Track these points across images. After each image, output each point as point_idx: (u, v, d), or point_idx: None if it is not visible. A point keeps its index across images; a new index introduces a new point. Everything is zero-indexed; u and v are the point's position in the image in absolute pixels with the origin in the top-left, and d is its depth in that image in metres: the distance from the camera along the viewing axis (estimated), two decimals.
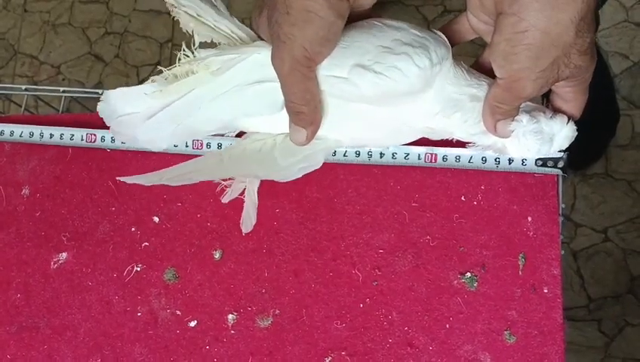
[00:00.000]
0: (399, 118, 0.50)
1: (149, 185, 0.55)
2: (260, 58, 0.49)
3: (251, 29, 0.52)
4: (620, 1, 1.35)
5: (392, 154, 0.54)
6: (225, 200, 0.55)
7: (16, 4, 1.67)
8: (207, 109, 0.52)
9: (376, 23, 0.48)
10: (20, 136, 0.62)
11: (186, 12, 0.51)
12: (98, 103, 0.54)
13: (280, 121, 0.51)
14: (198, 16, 0.51)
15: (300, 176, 0.52)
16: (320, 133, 0.51)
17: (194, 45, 0.52)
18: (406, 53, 0.46)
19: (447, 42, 0.48)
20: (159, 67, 0.53)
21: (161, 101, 0.52)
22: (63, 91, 0.66)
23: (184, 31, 0.52)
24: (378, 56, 0.47)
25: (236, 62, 0.50)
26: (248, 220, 0.55)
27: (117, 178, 0.56)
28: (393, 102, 0.49)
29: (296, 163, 0.52)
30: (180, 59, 0.51)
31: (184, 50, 0.51)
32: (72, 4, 1.63)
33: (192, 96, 0.51)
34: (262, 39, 0.51)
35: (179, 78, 0.51)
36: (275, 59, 0.46)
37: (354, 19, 0.48)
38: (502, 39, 0.43)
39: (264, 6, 0.46)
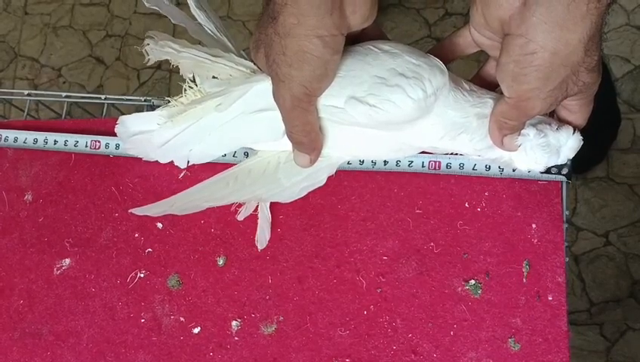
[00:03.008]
0: (400, 140, 0.51)
1: (159, 215, 0.57)
2: (260, 89, 0.51)
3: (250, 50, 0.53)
4: (620, 5, 1.35)
5: (396, 162, 0.54)
6: (240, 217, 0.56)
7: (17, 7, 1.67)
8: (215, 136, 0.54)
9: (372, 48, 0.48)
10: (24, 142, 0.62)
11: (186, 59, 0.53)
12: (115, 127, 0.57)
13: (284, 141, 0.52)
14: (198, 60, 0.53)
15: (303, 195, 0.54)
16: (323, 151, 0.53)
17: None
18: (399, 85, 0.47)
19: (444, 68, 0.48)
20: (167, 98, 0.57)
21: (171, 130, 0.55)
22: (66, 96, 0.66)
23: (185, 78, 0.55)
24: (372, 88, 0.47)
25: (237, 97, 0.52)
26: (263, 237, 0.55)
27: (129, 210, 0.58)
28: (391, 128, 0.50)
29: (299, 182, 0.54)
30: (185, 90, 0.55)
31: (188, 83, 0.55)
32: (72, 6, 1.63)
33: (201, 125, 0.54)
34: (261, 69, 0.52)
35: (186, 106, 0.54)
36: (276, 97, 0.47)
37: (352, 40, 0.49)
38: (510, 60, 0.43)
39: (261, 43, 0.47)
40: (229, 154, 0.57)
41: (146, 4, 0.54)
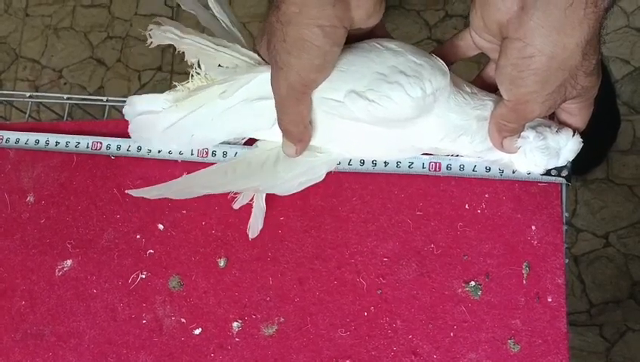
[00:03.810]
0: (401, 138, 0.52)
1: (154, 198, 0.57)
2: (264, 78, 0.51)
3: (254, 41, 0.53)
4: (620, 7, 1.35)
5: (397, 163, 0.54)
6: (236, 206, 0.56)
7: (18, 8, 1.68)
8: (217, 122, 0.55)
9: (376, 45, 0.49)
10: (26, 143, 0.63)
11: (189, 45, 0.54)
12: (124, 107, 0.58)
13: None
14: (201, 48, 0.53)
15: (301, 190, 0.54)
16: (322, 146, 0.53)
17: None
18: (398, 82, 0.47)
19: (446, 69, 0.48)
20: (175, 83, 0.57)
21: (176, 114, 0.55)
22: (67, 98, 0.67)
23: (189, 63, 0.55)
24: (372, 83, 0.48)
25: (241, 86, 0.52)
26: (255, 226, 0.55)
27: (125, 191, 0.58)
28: (391, 126, 0.50)
29: (298, 176, 0.54)
30: (192, 76, 0.55)
31: (196, 69, 0.55)
32: (73, 8, 1.63)
33: (204, 111, 0.54)
34: (265, 60, 0.52)
35: (191, 91, 0.55)
36: (273, 83, 0.48)
37: (358, 38, 0.49)
38: (508, 63, 0.43)
39: (265, 31, 0.47)
40: (229, 155, 0.57)
41: None
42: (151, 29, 0.54)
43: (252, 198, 0.56)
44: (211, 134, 0.56)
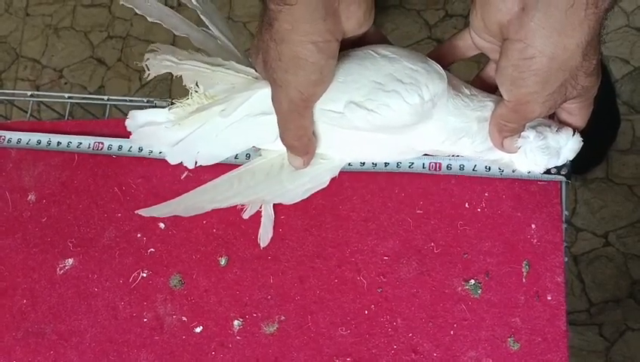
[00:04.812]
0: (402, 143, 0.52)
1: (165, 216, 0.57)
2: (263, 93, 0.51)
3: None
4: (620, 7, 1.35)
5: (397, 163, 0.55)
6: (245, 216, 0.56)
7: (18, 8, 1.68)
8: (221, 138, 0.55)
9: (371, 53, 0.49)
10: (27, 143, 0.63)
11: (186, 71, 0.54)
12: (126, 121, 0.58)
13: None
14: (198, 71, 0.54)
15: (306, 197, 0.55)
16: (325, 153, 0.53)
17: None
18: (396, 90, 0.47)
19: (443, 73, 0.48)
20: (174, 101, 0.57)
21: (180, 133, 0.56)
22: (69, 97, 0.67)
23: (188, 88, 0.55)
24: (370, 93, 0.48)
25: (241, 103, 0.52)
26: (265, 235, 0.56)
27: (135, 211, 0.58)
28: (392, 133, 0.51)
29: (303, 184, 0.54)
30: (191, 94, 0.55)
31: (196, 86, 0.55)
32: (74, 7, 1.64)
33: (207, 128, 0.55)
34: (260, 74, 0.52)
35: (192, 106, 0.55)
36: (274, 101, 0.48)
37: (352, 43, 0.49)
38: (509, 64, 0.43)
39: (259, 49, 0.47)
40: (232, 155, 0.57)
41: (149, 19, 0.55)
42: (147, 59, 0.55)
43: (261, 206, 0.56)
44: (216, 150, 0.56)
